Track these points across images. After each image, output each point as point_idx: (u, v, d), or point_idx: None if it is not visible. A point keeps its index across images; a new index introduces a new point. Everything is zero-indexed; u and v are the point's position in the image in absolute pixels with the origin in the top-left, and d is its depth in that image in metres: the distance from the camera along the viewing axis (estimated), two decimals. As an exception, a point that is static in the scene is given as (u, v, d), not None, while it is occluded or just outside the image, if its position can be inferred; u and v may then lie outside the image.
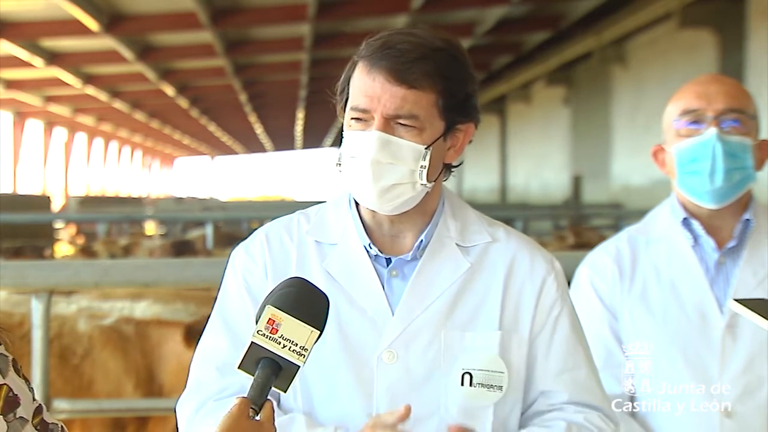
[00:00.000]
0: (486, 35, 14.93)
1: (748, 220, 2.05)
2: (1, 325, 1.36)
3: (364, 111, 1.58)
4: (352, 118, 1.60)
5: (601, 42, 15.02)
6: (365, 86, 1.58)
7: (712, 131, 1.98)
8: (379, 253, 1.64)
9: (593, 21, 14.63)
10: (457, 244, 1.66)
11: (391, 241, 1.67)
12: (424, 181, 1.59)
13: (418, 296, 1.61)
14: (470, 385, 1.58)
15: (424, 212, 1.66)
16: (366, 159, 1.56)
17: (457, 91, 1.60)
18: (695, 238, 2.06)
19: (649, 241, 2.10)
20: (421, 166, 1.58)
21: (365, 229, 1.67)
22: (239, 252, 1.72)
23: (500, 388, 1.59)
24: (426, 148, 1.58)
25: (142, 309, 3.79)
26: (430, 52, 1.58)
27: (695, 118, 2.01)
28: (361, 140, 1.58)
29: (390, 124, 1.57)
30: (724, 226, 2.06)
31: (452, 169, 1.70)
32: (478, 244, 1.67)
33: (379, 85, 1.57)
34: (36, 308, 2.88)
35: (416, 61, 1.56)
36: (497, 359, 1.60)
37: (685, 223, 2.07)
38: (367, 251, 1.65)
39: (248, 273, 1.68)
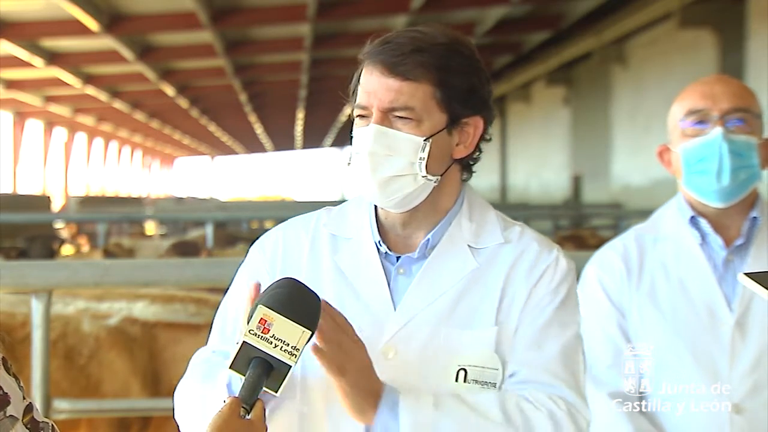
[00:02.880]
0: (486, 35, 14.91)
1: (755, 217, 2.06)
2: None
3: (364, 107, 1.60)
4: (356, 116, 1.62)
5: (601, 42, 15.02)
6: (365, 83, 1.61)
7: (717, 131, 1.99)
8: (389, 251, 1.65)
9: (593, 21, 14.62)
10: (469, 246, 1.65)
11: (404, 241, 1.67)
12: (425, 173, 1.59)
13: (421, 294, 1.62)
14: (464, 381, 1.58)
15: (436, 211, 1.67)
16: (364, 151, 1.58)
17: (457, 83, 1.60)
18: (703, 236, 2.07)
19: (656, 239, 2.11)
20: (420, 158, 1.58)
21: (380, 227, 1.68)
22: (255, 245, 1.75)
23: (494, 384, 1.59)
24: (425, 140, 1.58)
25: (140, 309, 3.80)
26: (429, 45, 1.59)
27: (701, 118, 2.02)
28: (361, 135, 1.60)
29: (388, 117, 1.58)
30: (732, 224, 2.07)
31: (470, 167, 1.69)
32: (489, 246, 1.67)
33: (376, 79, 1.59)
34: (36, 308, 2.88)
35: (411, 54, 1.58)
36: (493, 356, 1.59)
37: (693, 221, 2.08)
38: (378, 248, 1.66)
39: (254, 269, 1.71)
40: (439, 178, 1.62)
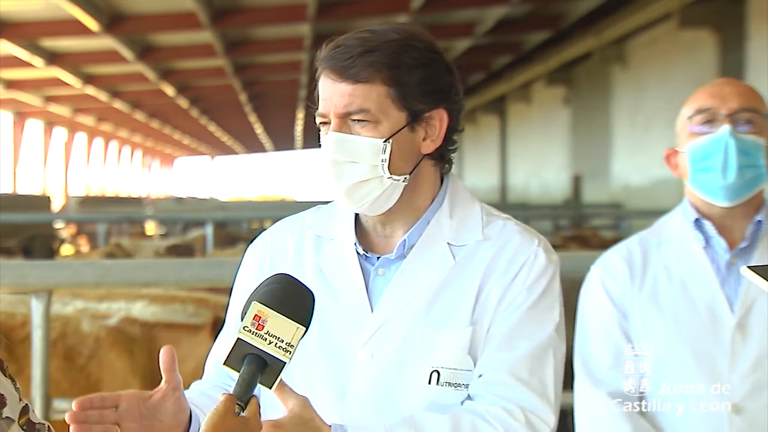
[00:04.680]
0: (486, 35, 14.92)
1: (760, 221, 2.06)
2: None
3: (323, 115, 1.59)
4: (319, 124, 1.61)
5: (601, 42, 15.02)
6: (321, 90, 1.60)
7: (725, 128, 2.00)
8: (366, 252, 1.64)
9: (593, 21, 14.62)
10: (448, 243, 1.63)
11: (384, 242, 1.66)
12: (389, 174, 1.56)
13: (397, 294, 1.60)
14: (437, 383, 1.56)
15: (414, 209, 1.64)
16: (326, 161, 1.57)
17: (410, 78, 1.57)
18: (707, 239, 2.06)
19: (660, 243, 2.12)
20: (382, 160, 1.56)
21: (360, 228, 1.67)
22: (247, 250, 1.76)
23: (467, 386, 1.56)
24: (384, 141, 1.56)
25: (139, 310, 3.80)
26: (378, 44, 1.56)
27: (709, 117, 2.03)
28: (323, 144, 1.59)
29: (346, 123, 1.57)
30: (736, 226, 2.06)
31: (445, 158, 1.66)
32: (468, 243, 1.63)
33: (329, 86, 1.58)
34: (36, 308, 2.88)
35: (360, 56, 1.55)
36: (466, 357, 1.57)
37: (697, 224, 2.08)
38: (356, 250, 1.65)
39: (246, 275, 1.73)
40: (408, 177, 1.59)
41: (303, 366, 1.59)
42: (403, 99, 1.57)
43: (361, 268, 1.63)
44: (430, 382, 1.56)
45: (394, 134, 1.57)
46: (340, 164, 1.56)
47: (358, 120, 1.56)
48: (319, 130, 1.62)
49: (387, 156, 1.56)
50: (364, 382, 1.57)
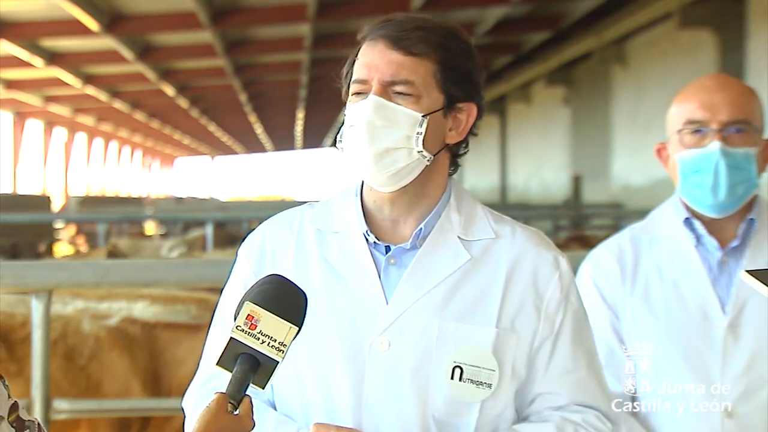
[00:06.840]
0: (486, 35, 14.92)
1: (752, 219, 2.04)
2: None
3: (363, 82, 1.60)
4: (353, 93, 1.62)
5: (601, 42, 15.03)
6: (365, 57, 1.61)
7: (715, 145, 1.96)
8: (377, 241, 1.63)
9: (593, 21, 14.63)
10: (459, 237, 1.64)
11: (392, 228, 1.65)
12: (421, 148, 1.58)
13: (414, 285, 1.60)
14: (459, 379, 1.57)
15: (425, 196, 1.65)
16: (362, 122, 1.57)
17: (456, 64, 1.61)
18: (698, 237, 2.04)
19: (652, 240, 2.09)
20: (418, 133, 1.58)
21: (367, 216, 1.66)
22: (241, 248, 1.75)
23: (489, 385, 1.57)
24: (423, 116, 1.58)
25: (141, 310, 3.80)
26: (431, 26, 1.62)
27: (698, 128, 1.99)
28: (358, 108, 1.59)
29: (387, 92, 1.58)
30: (728, 225, 2.04)
31: (456, 160, 1.69)
32: (481, 239, 1.65)
33: (378, 53, 1.59)
34: (36, 308, 2.88)
35: (414, 30, 1.59)
36: (489, 356, 1.58)
37: (687, 222, 2.06)
38: (366, 239, 1.64)
39: (242, 272, 1.71)
40: (432, 157, 1.60)
41: (317, 356, 1.60)
42: (446, 82, 1.60)
43: (372, 257, 1.63)
44: (452, 378, 1.57)
45: (432, 113, 1.59)
46: (376, 127, 1.57)
47: (401, 92, 1.58)
48: (344, 105, 1.63)
49: (423, 130, 1.58)
50: (381, 371, 1.57)
